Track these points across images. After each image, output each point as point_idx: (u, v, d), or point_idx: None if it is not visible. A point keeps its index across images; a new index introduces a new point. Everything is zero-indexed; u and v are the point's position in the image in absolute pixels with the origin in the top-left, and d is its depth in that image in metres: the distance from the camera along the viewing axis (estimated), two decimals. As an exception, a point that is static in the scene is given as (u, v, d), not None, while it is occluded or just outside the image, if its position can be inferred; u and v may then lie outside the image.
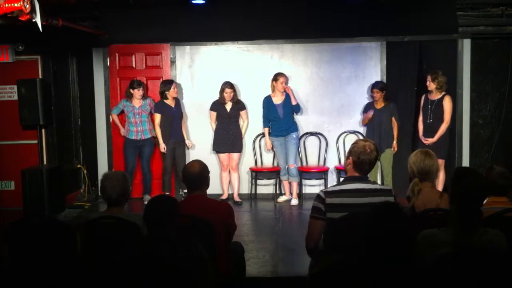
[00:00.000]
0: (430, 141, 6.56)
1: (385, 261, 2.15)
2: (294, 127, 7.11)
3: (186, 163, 4.42)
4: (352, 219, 3.04)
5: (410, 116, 7.22)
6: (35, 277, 2.24)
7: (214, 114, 7.19)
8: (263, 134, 7.35)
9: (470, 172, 2.97)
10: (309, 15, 7.08)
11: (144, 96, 7.15)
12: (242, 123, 7.27)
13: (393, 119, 6.88)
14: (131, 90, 7.05)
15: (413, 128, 7.16)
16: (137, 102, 7.11)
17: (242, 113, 7.22)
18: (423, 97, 6.79)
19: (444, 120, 6.57)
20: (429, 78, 6.63)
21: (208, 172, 3.66)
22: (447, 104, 6.58)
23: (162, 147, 7.03)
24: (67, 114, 7.63)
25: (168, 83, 7.05)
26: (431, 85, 6.60)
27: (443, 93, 6.61)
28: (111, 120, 7.42)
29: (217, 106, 7.13)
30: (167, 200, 3.04)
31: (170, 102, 7.06)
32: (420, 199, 3.47)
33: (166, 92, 7.00)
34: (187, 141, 7.24)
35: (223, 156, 7.16)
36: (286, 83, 7.01)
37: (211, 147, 7.26)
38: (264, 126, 7.17)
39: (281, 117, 7.02)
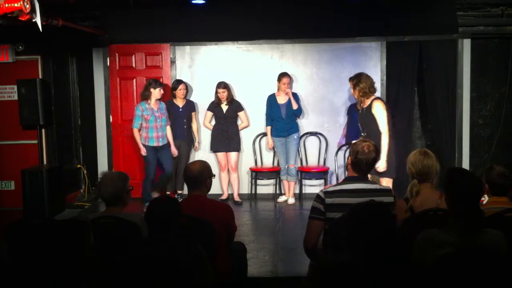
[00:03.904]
0: (380, 168, 5.09)
1: (371, 261, 2.15)
2: (295, 128, 7.11)
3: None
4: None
5: (410, 116, 7.25)
6: (35, 276, 2.24)
7: (210, 114, 7.21)
8: (263, 134, 7.35)
9: (464, 172, 2.97)
10: (309, 15, 7.08)
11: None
12: (240, 123, 7.28)
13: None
14: (151, 90, 6.52)
15: (409, 128, 7.21)
16: (155, 104, 6.59)
17: (241, 114, 7.22)
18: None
19: (381, 131, 5.20)
20: (350, 84, 5.73)
21: (209, 174, 3.62)
22: (377, 110, 5.26)
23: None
24: (67, 114, 7.64)
25: (177, 83, 7.05)
26: (354, 93, 5.58)
27: (372, 98, 5.42)
28: (134, 135, 6.59)
29: (214, 107, 7.14)
30: (169, 202, 3.03)
31: (179, 102, 7.06)
32: (418, 200, 3.44)
33: (174, 91, 7.02)
34: (195, 144, 7.23)
35: (221, 155, 7.17)
36: (289, 84, 7.01)
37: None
38: (267, 125, 7.16)
39: (284, 118, 7.02)
